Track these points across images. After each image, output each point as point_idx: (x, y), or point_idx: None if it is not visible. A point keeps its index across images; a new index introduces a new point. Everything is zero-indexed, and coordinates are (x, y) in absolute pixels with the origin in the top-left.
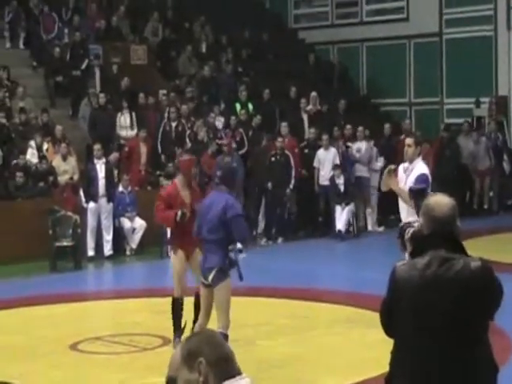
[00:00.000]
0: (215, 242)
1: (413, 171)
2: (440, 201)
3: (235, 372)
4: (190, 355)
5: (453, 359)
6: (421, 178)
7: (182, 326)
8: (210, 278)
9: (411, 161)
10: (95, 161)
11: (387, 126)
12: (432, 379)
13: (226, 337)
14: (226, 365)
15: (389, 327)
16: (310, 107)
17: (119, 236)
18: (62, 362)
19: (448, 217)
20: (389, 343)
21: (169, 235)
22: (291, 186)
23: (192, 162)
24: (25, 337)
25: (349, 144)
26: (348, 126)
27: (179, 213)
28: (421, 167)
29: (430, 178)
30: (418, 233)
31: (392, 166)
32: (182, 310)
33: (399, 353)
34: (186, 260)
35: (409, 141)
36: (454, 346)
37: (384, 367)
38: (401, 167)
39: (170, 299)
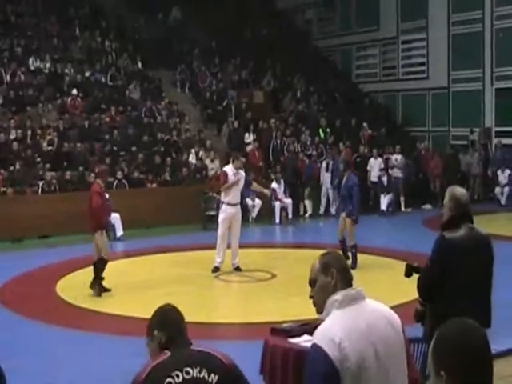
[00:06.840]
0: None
1: None
2: (462, 191)
3: (352, 280)
4: (325, 266)
5: (485, 296)
6: None
7: None
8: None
9: None
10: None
11: None
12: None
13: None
14: (347, 273)
15: (435, 286)
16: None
17: (245, 209)
18: (208, 285)
19: (468, 202)
20: None
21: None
22: None
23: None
24: (185, 270)
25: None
26: None
27: None
28: None
29: None
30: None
31: None
32: None
33: (449, 300)
34: None
35: None
36: (486, 286)
37: None
38: None
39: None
